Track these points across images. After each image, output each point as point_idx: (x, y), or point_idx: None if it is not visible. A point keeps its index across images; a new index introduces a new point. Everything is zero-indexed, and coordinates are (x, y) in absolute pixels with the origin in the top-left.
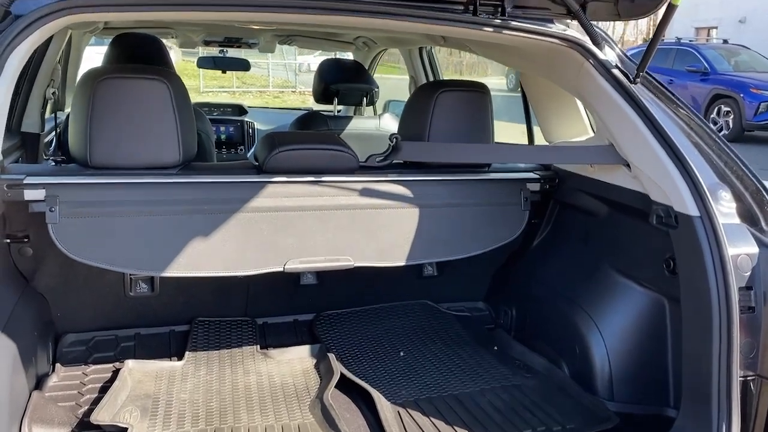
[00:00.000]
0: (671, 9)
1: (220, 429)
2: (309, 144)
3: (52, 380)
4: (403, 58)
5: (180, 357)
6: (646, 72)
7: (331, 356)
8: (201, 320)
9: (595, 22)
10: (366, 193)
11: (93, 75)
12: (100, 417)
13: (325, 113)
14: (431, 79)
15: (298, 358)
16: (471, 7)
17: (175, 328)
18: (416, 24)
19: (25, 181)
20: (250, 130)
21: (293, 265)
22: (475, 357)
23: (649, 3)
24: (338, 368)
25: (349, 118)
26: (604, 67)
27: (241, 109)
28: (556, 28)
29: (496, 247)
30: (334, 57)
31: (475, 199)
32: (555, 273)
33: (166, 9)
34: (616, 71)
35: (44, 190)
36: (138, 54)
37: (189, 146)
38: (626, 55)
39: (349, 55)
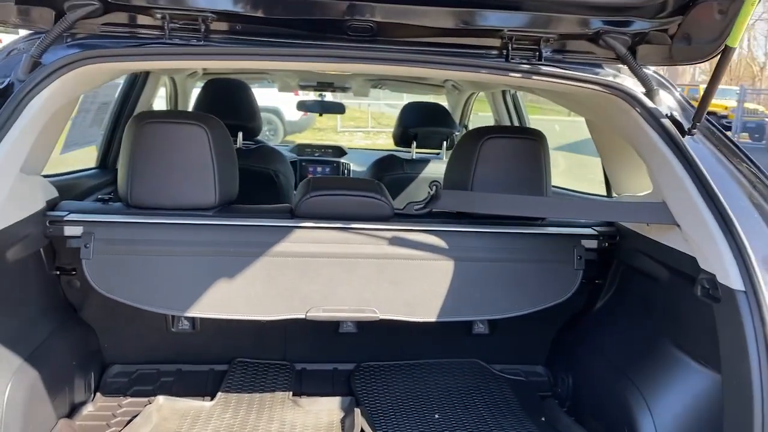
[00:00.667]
0: (728, 52)
1: None
2: (341, 190)
3: (88, 409)
4: (487, 101)
5: (213, 397)
6: (708, 120)
7: (357, 411)
8: (240, 361)
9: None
10: (397, 242)
11: (138, 118)
12: None
13: (402, 156)
14: (515, 122)
15: (326, 410)
16: (504, 52)
17: (215, 367)
18: (450, 72)
19: (65, 218)
20: (345, 171)
21: (315, 314)
22: (517, 427)
23: (706, 47)
24: (360, 425)
25: (426, 162)
26: (652, 117)
27: (340, 151)
28: (605, 72)
29: (548, 309)
30: (418, 101)
31: (519, 254)
32: (613, 341)
33: (174, 59)
34: (666, 121)
35: (82, 228)
36: (222, 99)
37: (227, 188)
38: (688, 102)
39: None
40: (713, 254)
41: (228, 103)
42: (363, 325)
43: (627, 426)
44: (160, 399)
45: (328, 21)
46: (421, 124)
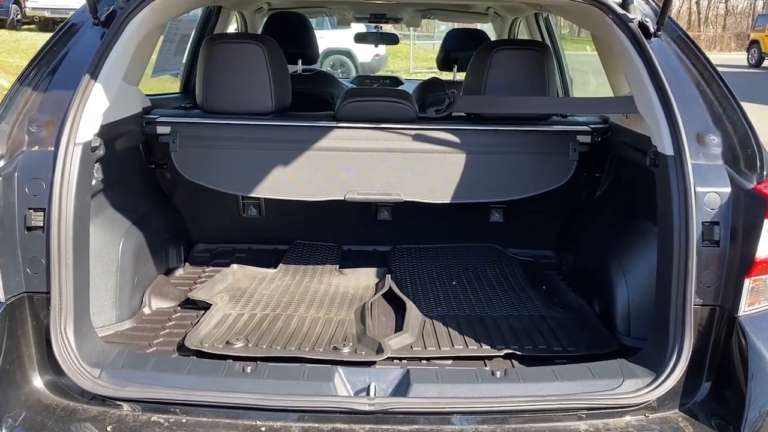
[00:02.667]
0: None
1: (277, 315)
2: (373, 96)
3: (179, 272)
4: (523, 25)
5: (276, 267)
6: (672, 23)
7: (388, 276)
8: (298, 242)
9: None
10: (419, 139)
11: (209, 39)
12: (195, 294)
13: (444, 79)
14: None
15: (364, 276)
16: None
17: (279, 246)
18: None
19: (157, 119)
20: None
21: (352, 196)
22: (518, 291)
23: None
24: (389, 284)
25: None
26: (622, 22)
27: (397, 81)
28: None
29: (555, 200)
30: (459, 27)
31: (523, 147)
32: (604, 223)
33: None
34: (633, 25)
35: (169, 127)
36: (284, 30)
37: (281, 97)
38: (657, 5)
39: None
40: (657, 132)
41: (289, 34)
42: (397, 214)
43: (605, 288)
44: (234, 266)
45: None
46: (461, 49)
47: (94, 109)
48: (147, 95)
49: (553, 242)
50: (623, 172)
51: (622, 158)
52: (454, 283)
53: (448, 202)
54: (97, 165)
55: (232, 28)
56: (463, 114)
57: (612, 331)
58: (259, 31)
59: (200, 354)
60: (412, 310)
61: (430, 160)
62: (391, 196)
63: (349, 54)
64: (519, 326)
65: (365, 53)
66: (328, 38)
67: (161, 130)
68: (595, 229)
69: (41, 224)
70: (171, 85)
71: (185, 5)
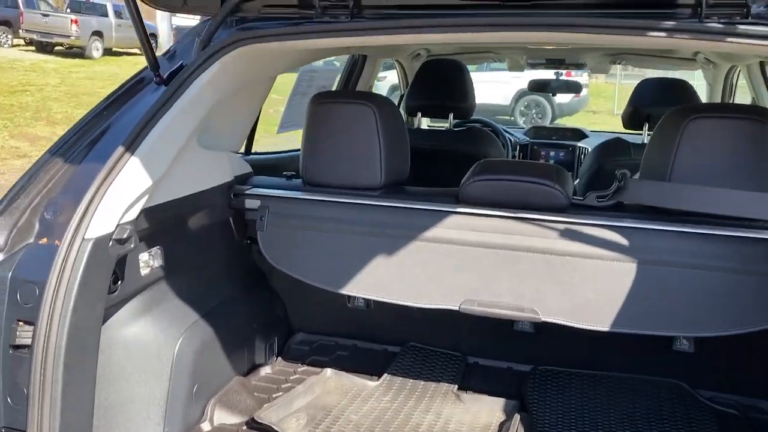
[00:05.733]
0: None
1: None
2: (509, 175)
3: (265, 371)
4: (743, 75)
5: (380, 376)
6: None
7: (517, 417)
8: (413, 345)
9: None
10: (570, 236)
11: (315, 98)
12: (264, 415)
13: (631, 140)
14: None
15: (488, 410)
16: (698, 10)
17: (389, 347)
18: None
19: (247, 192)
20: (582, 156)
21: (469, 307)
22: None
23: None
24: (517, 430)
25: None
26: None
27: (580, 134)
28: None
29: (756, 332)
30: (657, 77)
31: (731, 262)
32: None
33: (321, 36)
34: None
35: (259, 201)
36: (436, 79)
37: (394, 169)
38: None
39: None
40: None
41: (441, 84)
42: (540, 326)
43: None
44: (328, 371)
45: None
46: (656, 104)
47: (128, 189)
48: (258, 154)
49: None
50: None
51: None
52: None
53: (606, 330)
54: (155, 250)
55: (389, 81)
56: (637, 204)
57: None
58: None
59: None
60: None
61: (583, 267)
62: (524, 312)
63: (546, 95)
64: None
65: (563, 94)
66: (525, 79)
67: (250, 204)
68: None
69: (29, 342)
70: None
71: (269, 56)
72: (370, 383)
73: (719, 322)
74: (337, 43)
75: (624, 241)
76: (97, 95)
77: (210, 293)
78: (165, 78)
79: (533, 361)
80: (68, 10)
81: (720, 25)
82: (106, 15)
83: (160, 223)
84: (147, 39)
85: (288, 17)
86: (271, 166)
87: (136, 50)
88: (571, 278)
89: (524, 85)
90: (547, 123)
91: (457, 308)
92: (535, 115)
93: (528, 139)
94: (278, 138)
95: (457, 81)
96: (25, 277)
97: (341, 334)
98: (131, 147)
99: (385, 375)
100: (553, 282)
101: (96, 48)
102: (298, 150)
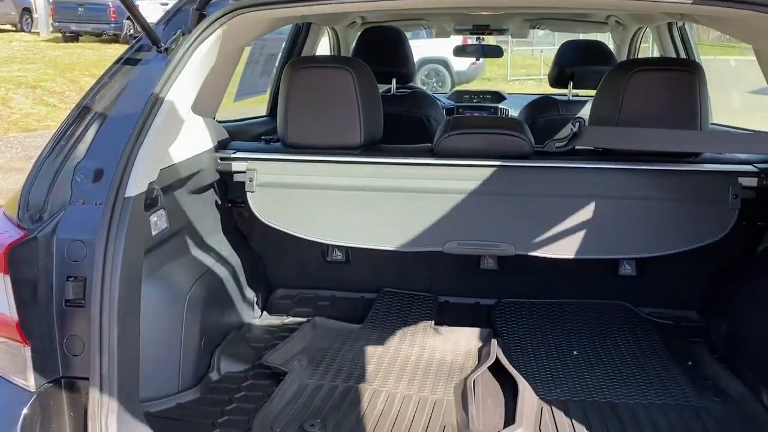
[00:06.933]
0: None
1: (361, 389)
2: (479, 128)
3: (255, 323)
4: (653, 36)
5: (362, 321)
6: None
7: (494, 342)
8: (388, 290)
9: None
10: (536, 179)
11: (291, 64)
12: (270, 359)
13: (558, 97)
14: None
15: (464, 339)
16: None
17: (366, 294)
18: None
19: (232, 156)
20: (505, 116)
21: (451, 247)
22: (659, 369)
23: None
24: (495, 353)
25: (583, 103)
26: None
27: (499, 96)
28: None
29: (703, 251)
30: (576, 39)
31: (667, 192)
32: None
33: (314, 3)
34: None
35: (246, 164)
36: (377, 46)
37: (371, 129)
38: None
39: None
40: None
41: (382, 50)
42: (504, 262)
43: None
44: (317, 319)
45: None
46: (578, 64)
47: (152, 152)
48: (226, 122)
49: (699, 302)
50: None
51: None
52: (575, 352)
53: (572, 257)
54: (160, 213)
55: (324, 46)
56: (589, 148)
57: None
58: (351, 48)
59: None
60: (526, 392)
61: (549, 206)
62: (499, 248)
63: (445, 63)
64: (664, 424)
65: (461, 62)
66: (424, 48)
67: (237, 167)
68: (763, 293)
69: (81, 297)
70: (258, 107)
71: (263, 24)
72: (356, 326)
73: (659, 244)
74: (327, 10)
75: (583, 180)
76: None
77: (205, 254)
78: (167, 47)
79: (497, 294)
80: None
81: None
82: None
83: (166, 187)
84: (139, 12)
85: None
86: (239, 132)
87: (8, 26)
88: (540, 215)
89: (424, 54)
90: (446, 90)
91: (441, 249)
92: (435, 83)
93: (453, 102)
94: (234, 107)
95: (398, 47)
96: (72, 235)
97: (320, 286)
98: (152, 111)
99: (367, 319)
100: (524, 219)
101: None
102: (263, 116)
